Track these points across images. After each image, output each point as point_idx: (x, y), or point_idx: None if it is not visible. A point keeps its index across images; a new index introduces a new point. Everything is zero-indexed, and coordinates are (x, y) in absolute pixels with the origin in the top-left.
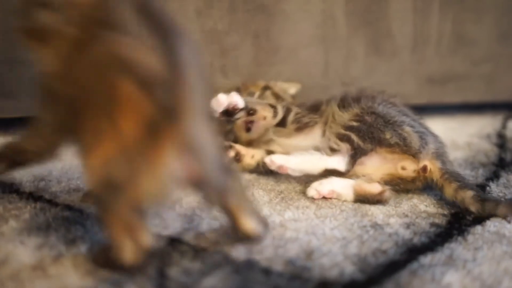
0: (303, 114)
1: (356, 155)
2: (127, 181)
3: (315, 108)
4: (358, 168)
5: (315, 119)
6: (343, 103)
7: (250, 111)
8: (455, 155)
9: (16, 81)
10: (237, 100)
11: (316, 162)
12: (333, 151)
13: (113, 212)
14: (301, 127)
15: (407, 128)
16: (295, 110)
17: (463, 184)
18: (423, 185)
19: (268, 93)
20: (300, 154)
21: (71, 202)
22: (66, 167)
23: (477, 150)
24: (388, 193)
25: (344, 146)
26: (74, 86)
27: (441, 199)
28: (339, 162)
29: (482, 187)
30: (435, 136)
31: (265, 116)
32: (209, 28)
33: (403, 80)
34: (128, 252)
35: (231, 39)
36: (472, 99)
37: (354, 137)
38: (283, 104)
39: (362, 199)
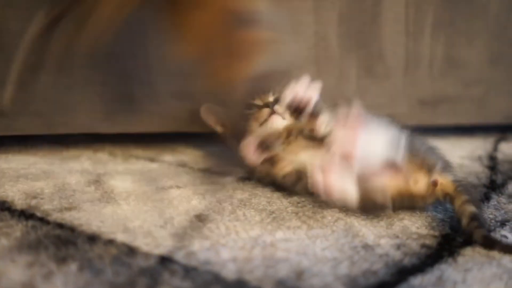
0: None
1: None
2: None
3: None
4: None
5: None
6: None
7: (312, 115)
8: None
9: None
10: (312, 96)
11: None
12: None
13: None
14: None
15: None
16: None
17: (471, 199)
18: (433, 201)
19: None
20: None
21: (62, 220)
22: (58, 185)
23: (469, 172)
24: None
25: None
26: None
27: (432, 221)
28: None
29: None
30: (438, 151)
31: (319, 126)
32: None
33: (395, 102)
34: None
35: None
36: (464, 121)
37: None
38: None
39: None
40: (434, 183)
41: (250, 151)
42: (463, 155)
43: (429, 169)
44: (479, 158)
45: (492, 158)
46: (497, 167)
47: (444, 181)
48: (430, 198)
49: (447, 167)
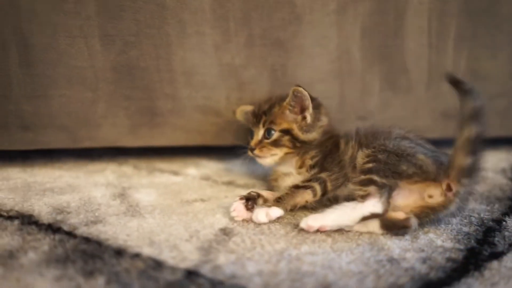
0: (336, 177)
1: (386, 192)
2: None
3: (335, 151)
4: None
5: (345, 175)
6: (360, 142)
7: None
8: None
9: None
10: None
11: (352, 213)
12: (363, 198)
13: None
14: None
15: (421, 156)
16: (328, 177)
17: None
18: (456, 205)
19: (286, 138)
20: (334, 209)
21: (89, 235)
22: (84, 199)
23: (493, 184)
24: (413, 220)
25: (371, 189)
26: None
27: (458, 234)
28: (374, 205)
29: (498, 221)
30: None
31: (307, 200)
32: (227, 62)
33: (418, 115)
34: None
35: (248, 73)
36: (487, 134)
37: (375, 177)
38: (318, 178)
39: (388, 227)
40: (448, 188)
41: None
42: (487, 167)
43: (436, 180)
44: (503, 171)
45: None
46: None
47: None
48: (451, 204)
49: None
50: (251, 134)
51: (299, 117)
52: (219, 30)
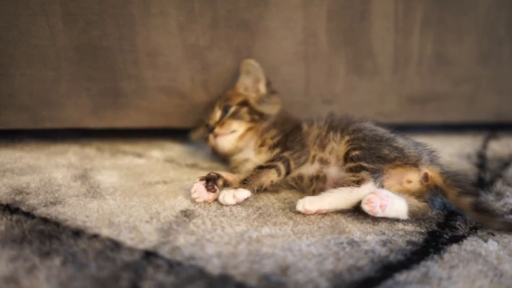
0: (299, 155)
1: (379, 176)
2: None
3: (297, 131)
4: None
5: (307, 152)
6: (332, 128)
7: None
8: None
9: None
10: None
11: (348, 196)
12: (358, 183)
13: None
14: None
15: (400, 140)
16: (290, 156)
17: (464, 190)
18: (429, 195)
19: (244, 110)
20: (329, 193)
21: (47, 216)
22: (44, 180)
23: (458, 169)
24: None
25: (363, 174)
26: None
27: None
28: (370, 188)
29: None
30: (424, 145)
31: (272, 179)
32: (191, 43)
33: (384, 99)
34: None
35: (213, 54)
36: (453, 119)
37: (364, 163)
38: (281, 157)
39: (414, 214)
40: (425, 178)
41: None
42: (452, 152)
43: (416, 165)
44: (468, 156)
45: (481, 156)
46: (485, 165)
47: (433, 173)
48: (427, 193)
49: (433, 158)
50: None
51: (254, 90)
52: (184, 10)
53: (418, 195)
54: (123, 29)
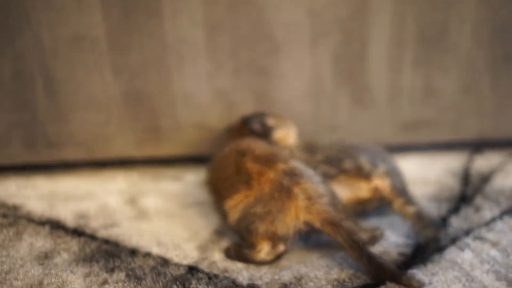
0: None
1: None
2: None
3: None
4: None
5: None
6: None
7: None
8: (426, 190)
9: (58, 134)
10: None
11: None
12: None
13: (255, 232)
14: None
15: (361, 157)
16: None
17: (408, 199)
18: (379, 203)
19: None
20: None
21: (108, 237)
22: (101, 205)
23: (445, 185)
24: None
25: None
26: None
27: (409, 230)
28: None
29: (444, 219)
30: (389, 163)
31: None
32: (218, 87)
33: (381, 126)
34: (263, 253)
35: (236, 96)
36: (441, 139)
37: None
38: None
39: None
40: (376, 188)
41: None
42: (440, 168)
43: (367, 176)
44: (453, 172)
45: (465, 172)
46: (469, 181)
47: (383, 185)
48: (376, 202)
49: (390, 171)
50: None
51: None
52: (211, 60)
53: (369, 201)
54: (162, 77)
